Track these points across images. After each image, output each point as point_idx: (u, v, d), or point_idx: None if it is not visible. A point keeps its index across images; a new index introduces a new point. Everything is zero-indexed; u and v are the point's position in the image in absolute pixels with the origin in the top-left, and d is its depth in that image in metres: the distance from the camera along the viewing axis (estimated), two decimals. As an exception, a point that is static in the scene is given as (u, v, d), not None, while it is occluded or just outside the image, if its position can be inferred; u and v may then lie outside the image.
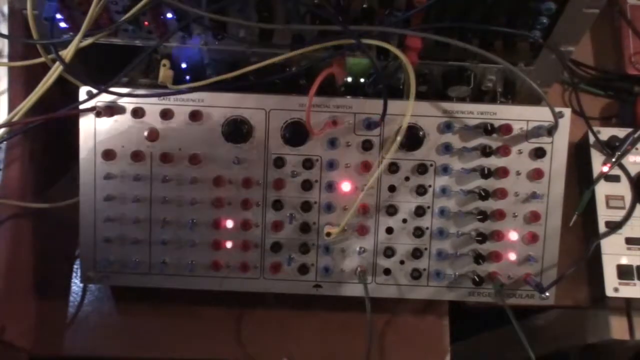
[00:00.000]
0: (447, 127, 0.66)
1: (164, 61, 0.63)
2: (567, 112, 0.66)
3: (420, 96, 0.64)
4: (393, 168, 0.67)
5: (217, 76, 0.64)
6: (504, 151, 0.66)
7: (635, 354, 0.85)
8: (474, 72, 0.68)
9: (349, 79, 0.71)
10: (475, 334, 1.08)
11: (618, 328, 0.75)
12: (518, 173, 0.67)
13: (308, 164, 0.66)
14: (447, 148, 0.66)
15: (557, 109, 0.64)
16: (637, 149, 0.75)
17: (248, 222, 0.67)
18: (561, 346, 0.89)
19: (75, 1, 0.61)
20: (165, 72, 0.63)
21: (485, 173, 0.66)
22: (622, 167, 0.75)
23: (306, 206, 0.67)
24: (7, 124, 0.66)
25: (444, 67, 0.68)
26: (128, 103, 0.65)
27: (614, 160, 0.75)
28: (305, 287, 0.69)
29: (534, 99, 0.69)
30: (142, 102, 0.65)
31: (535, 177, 0.67)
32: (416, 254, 0.68)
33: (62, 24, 0.63)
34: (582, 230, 0.76)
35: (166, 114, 0.65)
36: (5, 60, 0.69)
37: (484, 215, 0.67)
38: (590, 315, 0.78)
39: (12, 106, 0.68)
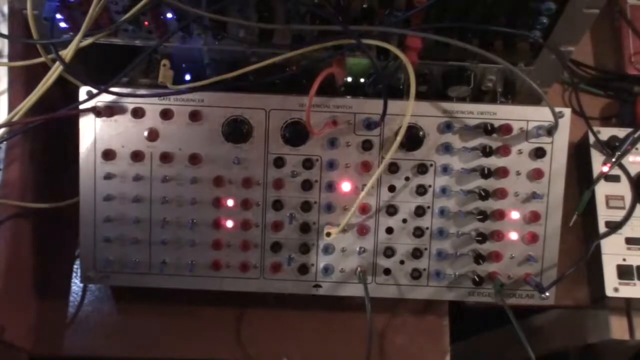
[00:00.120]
0: (447, 127, 0.66)
1: (164, 61, 0.63)
2: (567, 112, 0.66)
3: (420, 96, 0.64)
4: (393, 168, 0.67)
5: (217, 76, 0.64)
6: (504, 151, 0.66)
7: (635, 354, 0.85)
8: (474, 72, 0.68)
9: (349, 79, 0.71)
10: (475, 334, 1.08)
11: (618, 328, 0.75)
12: (518, 173, 0.67)
13: (308, 164, 0.66)
14: (447, 148, 0.66)
15: (557, 109, 0.64)
16: (637, 149, 0.75)
17: (248, 222, 0.67)
18: (561, 346, 0.89)
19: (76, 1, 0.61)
20: (165, 72, 0.63)
21: (485, 173, 0.66)
22: (622, 167, 0.75)
23: (306, 206, 0.67)
24: (7, 124, 0.66)
25: (444, 67, 0.68)
26: (128, 103, 0.65)
27: (614, 160, 0.75)
28: (305, 287, 0.69)
29: (534, 99, 0.69)
30: (142, 102, 0.65)
31: (535, 177, 0.67)
32: (416, 254, 0.68)
33: (62, 24, 0.63)
34: (582, 230, 0.76)
35: (166, 114, 0.65)
36: (5, 60, 0.69)
37: (484, 215, 0.67)
38: (590, 315, 0.78)
39: (12, 106, 0.68)
